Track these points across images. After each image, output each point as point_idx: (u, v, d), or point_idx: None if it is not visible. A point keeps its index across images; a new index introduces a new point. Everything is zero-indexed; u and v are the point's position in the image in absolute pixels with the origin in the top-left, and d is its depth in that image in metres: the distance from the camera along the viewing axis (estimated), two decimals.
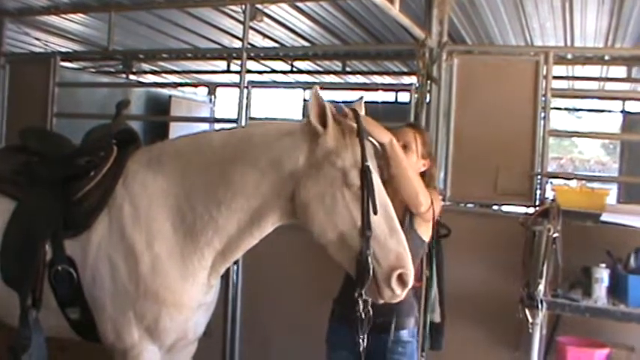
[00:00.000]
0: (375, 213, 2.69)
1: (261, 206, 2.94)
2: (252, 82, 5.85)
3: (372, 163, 2.79)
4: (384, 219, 2.73)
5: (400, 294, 2.72)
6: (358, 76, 10.79)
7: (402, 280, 2.69)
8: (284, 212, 2.94)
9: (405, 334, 3.30)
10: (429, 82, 4.98)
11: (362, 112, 2.98)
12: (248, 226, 2.99)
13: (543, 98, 4.81)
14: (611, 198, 7.14)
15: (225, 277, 3.89)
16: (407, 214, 3.26)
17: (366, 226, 2.69)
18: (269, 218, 2.97)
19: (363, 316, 2.74)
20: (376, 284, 2.71)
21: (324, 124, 2.79)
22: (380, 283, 2.70)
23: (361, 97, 3.07)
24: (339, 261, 2.83)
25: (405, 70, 9.88)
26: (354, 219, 2.72)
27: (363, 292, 2.71)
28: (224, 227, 2.99)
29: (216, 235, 3.01)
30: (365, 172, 2.72)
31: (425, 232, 3.35)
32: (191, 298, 3.07)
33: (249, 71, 6.29)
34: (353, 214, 2.73)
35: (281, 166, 2.88)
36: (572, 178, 5.64)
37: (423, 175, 3.38)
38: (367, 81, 11.16)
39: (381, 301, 2.76)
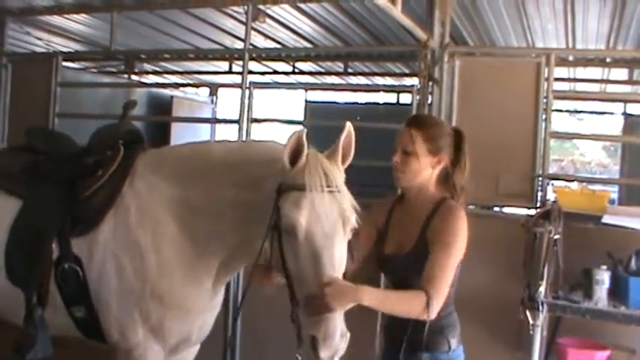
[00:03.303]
0: (287, 278, 2.58)
1: (252, 227, 2.89)
2: (254, 82, 5.86)
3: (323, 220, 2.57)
4: (314, 271, 2.53)
5: (318, 358, 2.48)
6: (360, 77, 10.80)
7: (313, 346, 2.48)
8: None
9: (424, 357, 2.86)
10: (430, 83, 4.99)
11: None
12: (246, 243, 2.98)
13: (545, 100, 4.82)
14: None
15: None
16: (421, 238, 2.87)
17: (285, 280, 2.60)
18: (261, 239, 2.89)
19: None
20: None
21: (294, 161, 2.62)
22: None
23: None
24: None
25: (407, 71, 9.88)
26: (286, 267, 2.60)
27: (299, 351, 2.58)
28: (227, 241, 3.02)
29: (220, 247, 3.03)
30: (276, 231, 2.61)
31: None
32: (196, 302, 3.09)
33: (250, 72, 6.29)
34: (284, 261, 2.61)
35: (262, 190, 2.80)
36: (573, 180, 5.63)
37: (444, 178, 2.96)
38: (369, 82, 11.17)
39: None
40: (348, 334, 2.51)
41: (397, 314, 2.75)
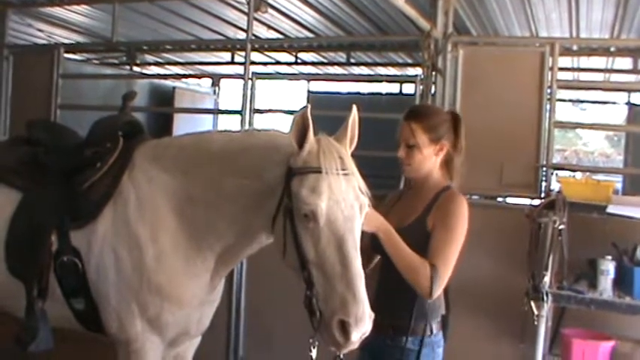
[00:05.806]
0: (303, 264, 2.51)
1: (251, 218, 2.89)
2: (257, 73, 5.84)
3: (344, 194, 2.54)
4: (338, 256, 2.46)
5: (344, 343, 2.42)
6: (362, 67, 10.78)
7: (344, 329, 2.40)
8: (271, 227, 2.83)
9: (408, 341, 2.88)
10: (433, 73, 4.96)
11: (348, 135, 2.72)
12: (243, 236, 2.97)
13: (548, 90, 4.79)
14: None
15: None
16: (421, 217, 2.93)
17: (300, 265, 2.53)
18: (261, 230, 2.91)
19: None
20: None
21: (301, 143, 2.59)
22: (323, 327, 2.46)
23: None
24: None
25: (410, 61, 9.86)
26: (302, 253, 2.53)
27: (315, 336, 2.50)
28: (223, 235, 2.98)
29: (217, 242, 3.00)
30: (287, 212, 2.57)
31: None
32: (193, 295, 3.07)
33: (253, 63, 6.27)
34: (301, 247, 2.54)
35: (262, 180, 2.79)
36: (577, 170, 5.62)
37: (446, 161, 3.06)
38: (371, 72, 11.15)
39: (333, 349, 2.50)
40: (373, 315, 2.47)
41: (400, 266, 2.78)
